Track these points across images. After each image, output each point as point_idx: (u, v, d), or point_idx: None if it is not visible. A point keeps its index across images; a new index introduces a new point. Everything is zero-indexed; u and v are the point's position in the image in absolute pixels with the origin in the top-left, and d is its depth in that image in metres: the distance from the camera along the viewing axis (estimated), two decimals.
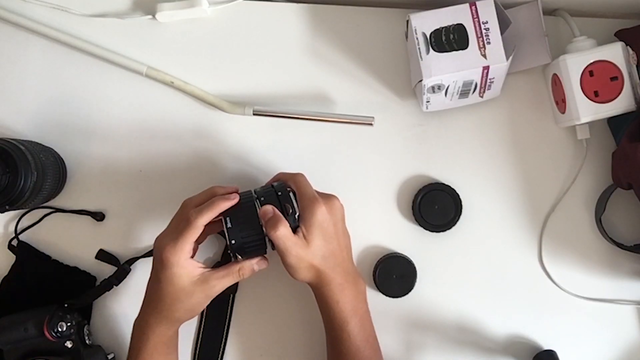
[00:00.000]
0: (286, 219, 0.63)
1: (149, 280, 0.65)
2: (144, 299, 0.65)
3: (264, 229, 0.63)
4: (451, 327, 0.74)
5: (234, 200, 0.64)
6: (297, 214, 0.64)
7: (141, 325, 0.65)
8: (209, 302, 0.65)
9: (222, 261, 0.74)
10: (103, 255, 0.74)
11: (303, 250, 0.63)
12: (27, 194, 0.66)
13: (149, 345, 0.64)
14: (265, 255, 0.67)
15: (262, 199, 0.64)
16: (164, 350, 0.65)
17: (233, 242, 0.63)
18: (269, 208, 0.63)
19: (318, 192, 0.66)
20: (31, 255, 0.74)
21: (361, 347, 0.65)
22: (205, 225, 0.63)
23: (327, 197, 0.66)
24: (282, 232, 0.62)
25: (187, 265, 0.62)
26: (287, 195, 0.65)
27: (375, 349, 0.68)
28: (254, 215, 0.64)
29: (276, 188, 0.66)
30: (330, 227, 0.64)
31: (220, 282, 0.64)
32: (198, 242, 0.65)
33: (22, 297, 0.73)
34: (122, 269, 0.73)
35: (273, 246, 0.64)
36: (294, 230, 0.63)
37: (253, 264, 0.65)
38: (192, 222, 0.62)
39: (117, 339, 0.74)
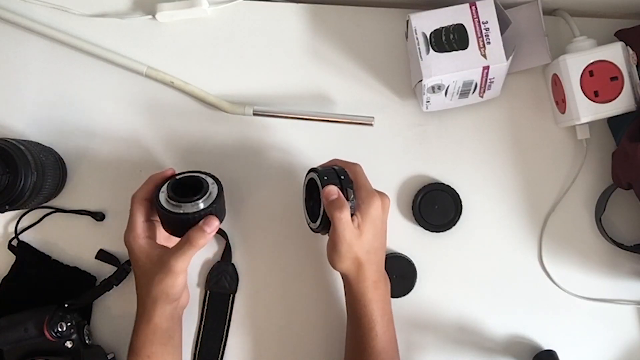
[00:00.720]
0: None
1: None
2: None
3: (323, 207, 0.63)
4: (451, 327, 0.74)
5: (167, 171, 0.66)
6: (354, 202, 0.64)
7: (137, 315, 0.66)
8: (182, 282, 0.64)
9: (222, 262, 0.74)
10: (103, 255, 0.74)
11: (356, 239, 0.62)
12: (27, 194, 0.66)
13: (147, 330, 0.64)
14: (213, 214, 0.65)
15: (325, 178, 0.64)
16: (159, 338, 0.65)
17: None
18: (334, 189, 0.63)
19: (372, 188, 0.66)
20: (31, 255, 0.74)
21: (386, 347, 0.65)
22: (147, 201, 0.66)
23: (382, 194, 0.66)
24: (346, 217, 0.62)
25: (144, 246, 0.64)
26: (348, 181, 0.65)
27: (396, 352, 0.68)
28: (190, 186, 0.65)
29: (338, 171, 0.65)
30: (380, 224, 0.65)
31: (178, 258, 0.62)
32: (152, 217, 0.67)
33: (22, 297, 0.73)
34: (122, 269, 0.73)
35: (319, 226, 0.65)
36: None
37: (201, 228, 0.63)
38: (132, 200, 0.65)
39: (117, 339, 0.74)
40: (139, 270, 0.65)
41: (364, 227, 0.63)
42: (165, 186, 0.65)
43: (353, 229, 0.62)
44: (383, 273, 0.67)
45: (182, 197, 0.63)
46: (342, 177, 0.65)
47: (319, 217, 0.65)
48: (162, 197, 0.64)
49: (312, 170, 0.67)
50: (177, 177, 0.67)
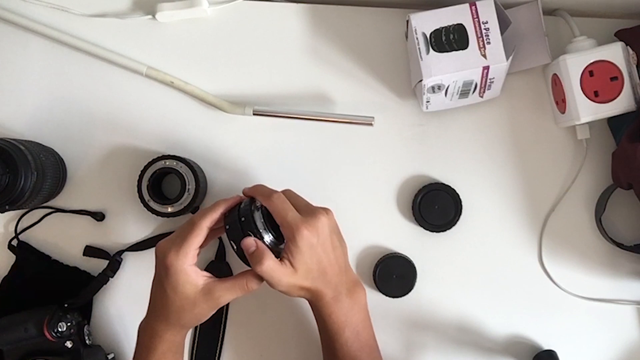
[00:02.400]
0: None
1: (153, 285, 0.64)
2: (150, 304, 0.64)
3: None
4: (451, 327, 0.74)
5: (234, 199, 0.64)
6: (269, 233, 0.62)
7: (147, 330, 0.64)
8: (215, 312, 0.63)
9: (216, 261, 0.74)
10: (91, 251, 0.74)
11: (292, 277, 0.61)
12: (27, 194, 0.66)
13: (157, 352, 0.62)
14: None
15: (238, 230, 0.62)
16: (172, 357, 0.64)
17: (233, 244, 0.62)
18: (250, 241, 0.61)
19: (302, 208, 0.63)
20: (31, 255, 0.74)
21: (357, 356, 0.64)
22: (210, 230, 0.62)
23: (311, 215, 0.62)
24: (268, 266, 0.59)
25: (191, 272, 0.61)
26: (250, 221, 0.62)
27: (374, 357, 0.67)
28: (252, 219, 0.62)
29: (241, 212, 0.62)
30: (317, 248, 0.61)
31: (226, 294, 0.62)
32: (201, 246, 0.64)
33: (22, 297, 0.73)
34: (115, 260, 0.73)
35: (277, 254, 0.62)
36: (278, 255, 0.61)
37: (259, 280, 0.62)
38: (195, 224, 0.61)
39: (117, 339, 0.74)
40: (174, 293, 0.61)
41: (296, 262, 0.60)
42: (262, 217, 0.63)
43: (284, 270, 0.60)
44: (346, 283, 0.65)
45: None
46: (243, 219, 0.62)
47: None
48: (267, 237, 0.62)
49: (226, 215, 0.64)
50: (257, 204, 0.64)
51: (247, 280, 0.62)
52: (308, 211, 0.63)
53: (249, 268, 0.62)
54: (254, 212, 0.62)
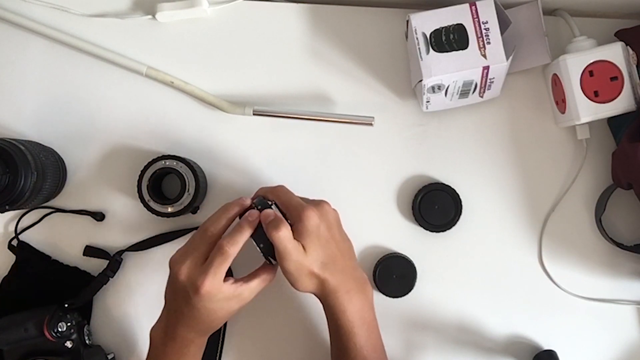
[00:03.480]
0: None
1: (171, 295, 0.64)
2: (169, 313, 0.64)
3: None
4: (451, 327, 0.74)
5: (240, 203, 0.64)
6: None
7: (177, 339, 0.63)
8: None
9: None
10: (91, 251, 0.74)
11: (302, 256, 0.61)
12: (27, 194, 0.66)
13: (189, 355, 0.64)
14: None
15: (259, 207, 0.64)
16: (199, 356, 0.65)
17: (261, 245, 0.63)
18: (270, 211, 0.63)
19: (305, 199, 0.65)
20: (31, 255, 0.74)
21: (368, 357, 0.64)
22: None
23: (316, 202, 0.64)
24: (284, 234, 0.60)
25: (223, 290, 0.61)
26: (267, 208, 0.64)
27: (382, 359, 0.66)
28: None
29: (256, 204, 0.64)
30: (324, 232, 0.63)
31: (251, 292, 0.64)
32: None
33: (22, 297, 0.73)
34: (115, 260, 0.73)
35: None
36: None
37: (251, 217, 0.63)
38: (226, 253, 0.61)
39: (117, 339, 0.74)
40: (211, 310, 0.62)
41: (306, 244, 0.62)
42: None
43: (296, 244, 0.61)
44: (358, 280, 0.66)
45: None
46: (259, 207, 0.64)
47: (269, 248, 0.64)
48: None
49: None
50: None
51: (265, 272, 0.64)
52: (310, 201, 0.65)
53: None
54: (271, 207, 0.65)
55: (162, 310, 0.65)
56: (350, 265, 0.66)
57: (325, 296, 0.64)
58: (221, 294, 0.61)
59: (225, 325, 0.74)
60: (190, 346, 0.63)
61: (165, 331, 0.64)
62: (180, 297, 0.62)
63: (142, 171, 0.71)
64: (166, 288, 0.64)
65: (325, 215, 0.64)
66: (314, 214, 0.62)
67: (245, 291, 0.63)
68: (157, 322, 0.65)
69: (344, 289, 0.64)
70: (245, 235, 0.62)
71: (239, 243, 0.61)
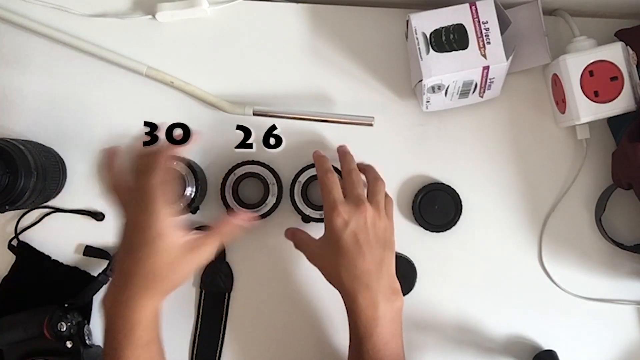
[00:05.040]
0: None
1: (122, 256, 0.59)
2: (120, 276, 0.58)
3: None
4: (451, 327, 0.74)
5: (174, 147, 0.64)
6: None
7: (127, 303, 0.57)
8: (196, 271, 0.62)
9: (216, 261, 0.73)
10: (91, 251, 0.74)
11: (320, 259, 0.62)
12: (27, 194, 0.66)
13: (142, 324, 0.57)
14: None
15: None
16: (158, 325, 0.59)
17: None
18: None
19: (354, 194, 0.64)
20: (31, 255, 0.74)
21: None
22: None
23: (355, 202, 0.63)
24: (300, 237, 0.64)
25: (172, 233, 0.57)
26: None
27: None
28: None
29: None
30: (349, 238, 0.61)
31: (208, 246, 0.60)
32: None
33: (22, 297, 0.73)
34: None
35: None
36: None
37: (241, 220, 0.61)
38: (151, 185, 0.58)
39: None
40: (163, 261, 0.57)
41: (328, 243, 0.63)
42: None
43: (318, 243, 0.64)
44: (383, 290, 0.63)
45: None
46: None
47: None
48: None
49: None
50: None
51: (225, 224, 0.61)
52: (354, 198, 0.64)
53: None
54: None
55: (111, 280, 0.61)
56: (378, 272, 0.63)
57: (343, 298, 0.64)
58: (170, 239, 0.57)
59: (225, 323, 0.74)
60: (144, 312, 0.57)
61: (109, 297, 0.58)
62: (130, 248, 0.58)
63: None
64: (115, 252, 0.60)
65: (357, 219, 0.62)
66: (340, 219, 0.62)
67: (199, 244, 0.59)
68: (106, 291, 0.60)
69: (364, 295, 0.62)
70: (160, 163, 0.59)
71: (156, 174, 0.58)
